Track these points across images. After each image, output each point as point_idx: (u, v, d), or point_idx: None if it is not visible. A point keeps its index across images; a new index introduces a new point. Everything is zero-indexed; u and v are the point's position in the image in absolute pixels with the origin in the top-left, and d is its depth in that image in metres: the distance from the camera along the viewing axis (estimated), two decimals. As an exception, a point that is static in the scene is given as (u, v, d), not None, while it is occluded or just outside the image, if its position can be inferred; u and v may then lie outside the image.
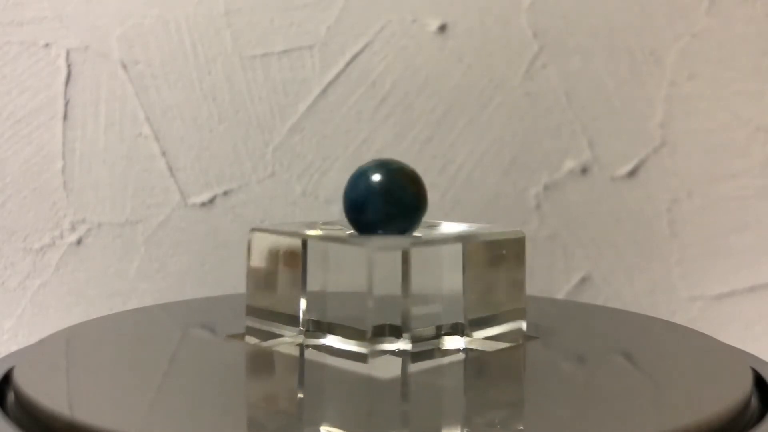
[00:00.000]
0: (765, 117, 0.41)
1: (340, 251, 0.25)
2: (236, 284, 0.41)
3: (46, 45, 0.40)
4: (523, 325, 0.26)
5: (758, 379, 0.23)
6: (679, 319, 0.41)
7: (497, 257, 0.25)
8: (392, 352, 0.24)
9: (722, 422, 0.19)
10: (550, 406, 0.21)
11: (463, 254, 0.25)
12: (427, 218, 0.26)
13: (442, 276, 0.25)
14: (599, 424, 0.19)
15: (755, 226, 0.41)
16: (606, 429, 0.19)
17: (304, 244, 0.25)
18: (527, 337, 0.26)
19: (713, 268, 0.41)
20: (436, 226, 0.27)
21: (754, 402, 0.21)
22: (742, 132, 0.41)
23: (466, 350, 0.25)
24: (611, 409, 0.20)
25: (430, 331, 0.25)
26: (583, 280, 0.41)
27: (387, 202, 0.25)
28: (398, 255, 0.23)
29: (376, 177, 0.25)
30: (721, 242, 0.41)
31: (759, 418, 0.21)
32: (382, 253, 0.23)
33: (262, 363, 0.25)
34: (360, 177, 0.25)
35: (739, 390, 0.21)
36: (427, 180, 0.42)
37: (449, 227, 0.27)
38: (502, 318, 0.25)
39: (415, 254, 0.23)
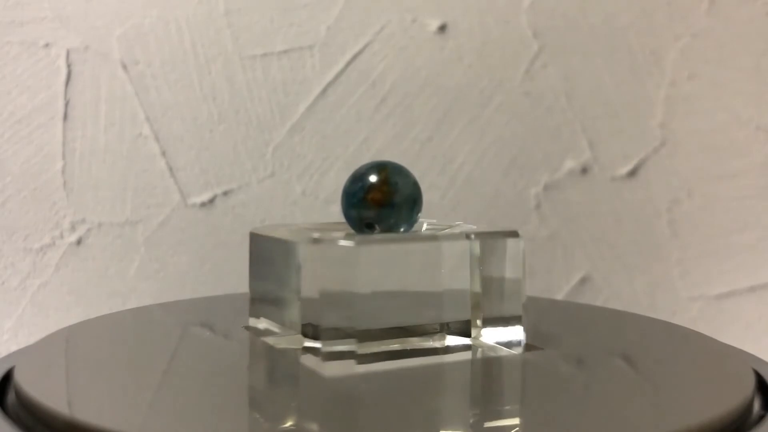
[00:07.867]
0: (765, 117, 0.41)
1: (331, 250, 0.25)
2: (236, 284, 0.41)
3: (46, 45, 0.40)
4: (521, 327, 0.26)
5: (759, 380, 0.23)
6: (679, 319, 0.41)
7: (491, 257, 0.25)
8: (390, 353, 0.24)
9: (724, 424, 0.19)
10: (550, 408, 0.21)
11: (471, 252, 0.25)
12: (426, 218, 0.26)
13: (437, 274, 0.25)
14: (599, 427, 0.19)
15: (755, 226, 0.41)
16: (606, 431, 0.19)
17: (296, 245, 0.25)
18: (526, 337, 0.26)
19: (713, 268, 0.41)
20: (435, 225, 0.27)
21: (757, 403, 0.21)
22: (742, 132, 0.41)
23: (469, 348, 0.25)
24: (611, 412, 0.20)
25: (432, 329, 0.25)
26: (583, 280, 0.41)
27: (375, 196, 0.25)
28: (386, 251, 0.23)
29: (366, 174, 0.25)
30: (721, 242, 0.41)
31: (760, 420, 0.21)
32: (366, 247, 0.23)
33: (262, 363, 0.25)
34: (352, 178, 0.26)
35: (741, 391, 0.21)
36: (427, 180, 0.42)
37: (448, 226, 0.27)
38: (499, 318, 0.25)
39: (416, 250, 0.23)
